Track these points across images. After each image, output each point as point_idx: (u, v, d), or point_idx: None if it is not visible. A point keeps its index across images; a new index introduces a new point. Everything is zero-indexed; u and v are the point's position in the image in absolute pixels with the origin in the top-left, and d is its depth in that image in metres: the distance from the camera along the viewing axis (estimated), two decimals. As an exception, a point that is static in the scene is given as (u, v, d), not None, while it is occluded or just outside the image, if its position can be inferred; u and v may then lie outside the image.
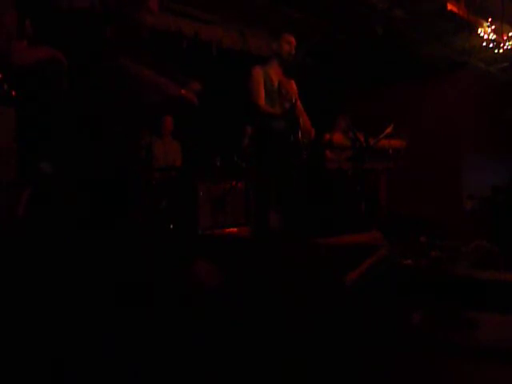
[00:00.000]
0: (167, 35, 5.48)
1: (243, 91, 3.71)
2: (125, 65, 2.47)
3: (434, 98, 7.09)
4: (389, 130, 5.02)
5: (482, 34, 6.24)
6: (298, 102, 3.80)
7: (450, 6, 5.79)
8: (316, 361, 0.56)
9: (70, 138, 2.63)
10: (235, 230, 4.91)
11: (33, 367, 0.58)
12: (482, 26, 6.25)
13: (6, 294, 0.91)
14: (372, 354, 0.55)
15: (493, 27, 6.18)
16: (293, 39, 3.71)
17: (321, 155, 5.41)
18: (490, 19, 6.19)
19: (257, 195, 3.92)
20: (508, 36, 6.26)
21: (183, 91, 2.64)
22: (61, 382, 0.57)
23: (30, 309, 0.89)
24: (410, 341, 0.58)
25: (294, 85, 3.82)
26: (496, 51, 6.36)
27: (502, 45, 6.28)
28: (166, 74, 2.67)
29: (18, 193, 3.07)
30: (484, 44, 6.30)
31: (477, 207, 5.94)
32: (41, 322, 0.85)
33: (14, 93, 2.77)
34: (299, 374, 0.52)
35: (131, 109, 2.62)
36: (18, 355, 0.66)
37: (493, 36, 6.21)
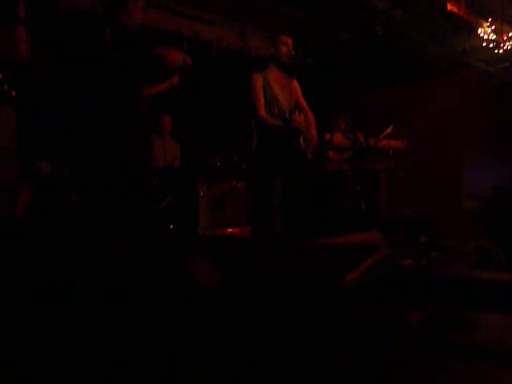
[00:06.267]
0: (167, 35, 5.49)
1: (243, 96, 3.66)
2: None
3: (433, 98, 7.10)
4: (389, 130, 5.04)
5: (481, 34, 6.25)
6: (303, 101, 3.71)
7: (449, 6, 5.80)
8: (316, 361, 0.56)
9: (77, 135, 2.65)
10: (235, 230, 4.91)
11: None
12: (482, 26, 6.26)
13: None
14: (371, 355, 0.55)
15: (493, 27, 6.19)
16: (289, 40, 3.58)
17: (321, 156, 5.42)
18: (490, 19, 6.20)
19: (258, 196, 3.91)
20: (508, 36, 6.26)
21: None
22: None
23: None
24: (409, 341, 0.58)
25: (295, 84, 3.72)
26: (496, 51, 6.36)
27: (501, 45, 6.28)
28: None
29: (18, 193, 3.08)
30: (484, 44, 6.31)
31: (477, 207, 5.95)
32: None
33: (13, 93, 2.78)
34: (299, 375, 0.53)
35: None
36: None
37: (493, 36, 6.21)
